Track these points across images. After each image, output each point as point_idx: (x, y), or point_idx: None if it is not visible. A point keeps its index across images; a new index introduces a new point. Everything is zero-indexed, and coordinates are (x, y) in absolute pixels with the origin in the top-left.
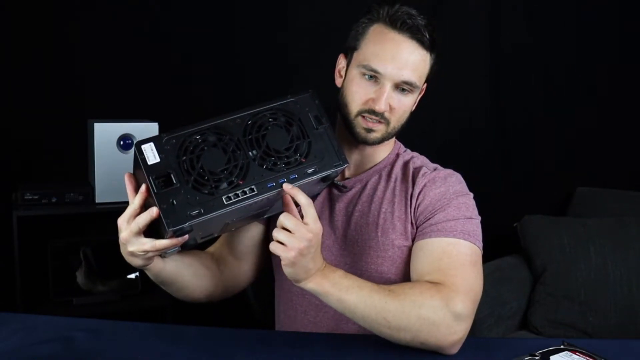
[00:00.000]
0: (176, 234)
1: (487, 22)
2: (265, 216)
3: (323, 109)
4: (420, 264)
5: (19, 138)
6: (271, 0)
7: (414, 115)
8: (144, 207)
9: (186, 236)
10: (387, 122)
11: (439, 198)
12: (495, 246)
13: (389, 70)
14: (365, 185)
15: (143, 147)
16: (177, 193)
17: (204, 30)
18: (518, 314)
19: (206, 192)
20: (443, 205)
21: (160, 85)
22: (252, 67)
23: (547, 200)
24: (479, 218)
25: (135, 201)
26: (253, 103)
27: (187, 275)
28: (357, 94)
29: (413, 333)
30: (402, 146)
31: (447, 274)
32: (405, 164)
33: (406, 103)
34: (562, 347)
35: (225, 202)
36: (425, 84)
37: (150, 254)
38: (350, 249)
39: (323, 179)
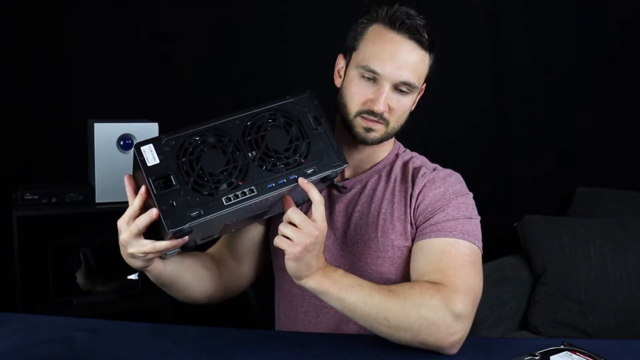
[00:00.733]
0: (176, 235)
1: (487, 22)
2: (265, 217)
3: (322, 109)
4: (420, 264)
5: (19, 138)
6: (271, 1)
7: (414, 115)
8: (144, 208)
9: (186, 237)
10: (387, 123)
11: (439, 198)
12: (495, 246)
13: (388, 70)
14: (365, 185)
15: (142, 148)
16: (176, 194)
17: (204, 30)
18: (518, 314)
19: (206, 193)
20: (443, 205)
21: (160, 85)
22: (252, 67)
23: (547, 200)
24: (479, 218)
25: (135, 203)
26: (253, 103)
27: (187, 276)
28: (356, 94)
29: (413, 333)
30: (401, 146)
31: (447, 274)
32: (405, 164)
33: (405, 103)
34: (562, 347)
35: (225, 203)
36: (425, 84)
37: (150, 256)
38: (350, 250)
39: (323, 180)
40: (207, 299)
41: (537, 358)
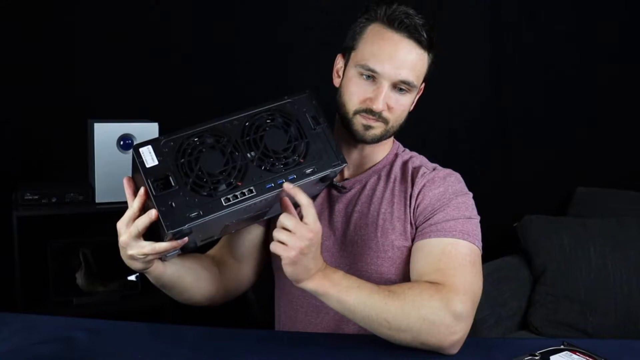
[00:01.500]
0: (175, 237)
1: (488, 22)
2: (265, 217)
3: (321, 109)
4: (420, 265)
5: (19, 138)
6: (271, 1)
7: (414, 115)
8: (143, 210)
9: (186, 238)
10: (386, 122)
11: (439, 198)
12: (495, 246)
13: (387, 69)
14: (365, 185)
15: (141, 150)
16: (175, 195)
17: (204, 30)
18: (518, 314)
19: (205, 194)
20: (442, 205)
21: (160, 85)
22: (252, 67)
23: (547, 200)
24: (479, 218)
25: (134, 204)
26: (253, 104)
27: (187, 278)
28: (355, 93)
29: (413, 334)
30: (400, 146)
31: (447, 274)
32: (404, 164)
33: (404, 102)
34: (562, 347)
35: (224, 204)
36: (424, 84)
37: (150, 257)
38: (349, 250)
39: (322, 179)
40: (208, 300)
41: (537, 358)
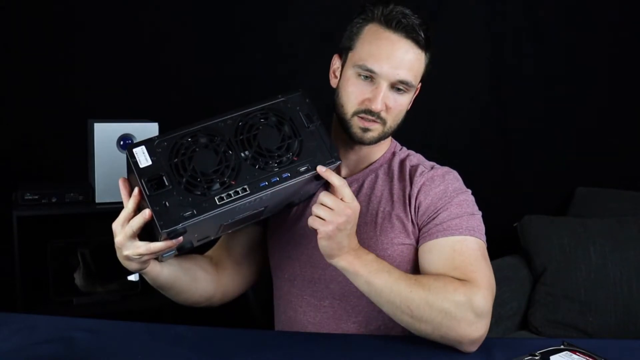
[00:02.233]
0: (170, 236)
1: (488, 22)
2: (262, 217)
3: (314, 107)
4: (435, 266)
5: (19, 138)
6: (271, 1)
7: (414, 115)
8: (138, 210)
9: (180, 238)
10: (384, 122)
11: (440, 197)
12: (495, 246)
13: (385, 69)
14: (362, 184)
15: (135, 150)
16: (169, 195)
17: (204, 30)
18: (518, 314)
19: (199, 193)
20: (445, 204)
21: (160, 85)
22: (252, 67)
23: (547, 200)
24: (480, 213)
25: (128, 205)
26: (251, 103)
27: (185, 279)
28: (353, 94)
29: (434, 325)
30: (397, 144)
31: (466, 270)
32: (402, 162)
33: (402, 102)
34: (562, 347)
35: (218, 203)
36: (420, 84)
37: (145, 257)
38: None
39: (317, 177)
40: (206, 301)
41: (537, 358)
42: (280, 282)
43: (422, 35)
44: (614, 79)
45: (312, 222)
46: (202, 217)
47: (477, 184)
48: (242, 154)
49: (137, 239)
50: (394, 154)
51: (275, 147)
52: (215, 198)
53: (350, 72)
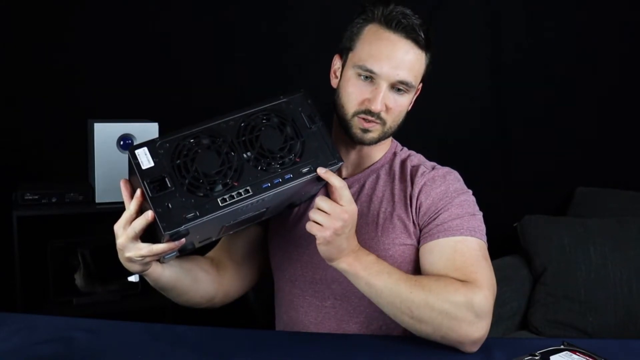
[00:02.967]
0: (172, 238)
1: (488, 22)
2: (263, 219)
3: (316, 108)
4: (436, 267)
5: (19, 138)
6: (271, 1)
7: (414, 115)
8: (140, 212)
9: (183, 240)
10: (384, 122)
11: (441, 197)
12: (495, 246)
13: (385, 70)
14: (363, 185)
15: (137, 152)
16: (172, 196)
17: (204, 30)
18: (518, 314)
19: (201, 194)
20: (446, 204)
21: (160, 85)
22: (252, 67)
23: (547, 200)
24: (481, 213)
25: (130, 206)
26: (253, 104)
27: (186, 280)
28: (353, 94)
29: (434, 326)
30: (398, 145)
31: (467, 271)
32: (403, 162)
33: (402, 103)
34: (562, 347)
35: (220, 204)
36: (421, 84)
37: (147, 259)
38: None
39: (319, 178)
40: (208, 302)
41: (537, 358)
42: (282, 282)
43: (423, 36)
44: (614, 79)
45: (310, 227)
46: (204, 218)
47: (477, 184)
48: (245, 155)
49: (139, 240)
50: (394, 154)
51: (278, 148)
52: (218, 199)
53: (350, 72)
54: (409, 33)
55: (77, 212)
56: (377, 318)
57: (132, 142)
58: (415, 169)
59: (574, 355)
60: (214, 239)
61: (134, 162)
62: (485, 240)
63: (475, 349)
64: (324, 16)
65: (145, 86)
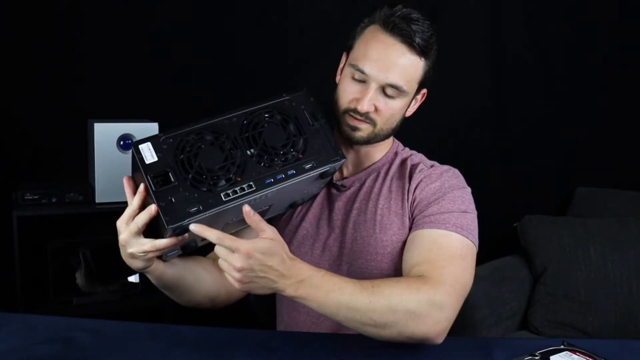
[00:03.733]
0: (175, 232)
1: (488, 22)
2: (265, 218)
3: (319, 105)
4: (411, 255)
5: (19, 138)
6: (272, 1)
7: (414, 114)
8: (143, 207)
9: (186, 235)
10: (374, 123)
11: (434, 191)
12: (495, 246)
13: (374, 71)
14: (364, 183)
15: (141, 146)
16: (175, 191)
17: (204, 30)
18: (518, 314)
19: (205, 189)
20: (438, 198)
21: (160, 85)
22: (252, 67)
23: (547, 200)
24: (475, 212)
25: (134, 202)
26: (255, 102)
27: (189, 279)
28: (345, 92)
29: (399, 328)
30: (400, 145)
31: (435, 265)
32: (403, 162)
33: (393, 106)
34: (562, 347)
35: (224, 199)
36: (425, 90)
37: (150, 255)
38: (350, 248)
39: (322, 175)
40: (210, 302)
41: (537, 358)
42: None
43: (419, 41)
44: (614, 79)
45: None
46: (208, 213)
47: (477, 183)
48: (248, 152)
49: (142, 236)
50: (396, 154)
51: (281, 144)
52: (221, 194)
53: (347, 70)
54: (405, 37)
55: (77, 212)
56: None
57: (132, 142)
58: (414, 167)
59: (574, 355)
60: None
61: (137, 157)
62: (474, 240)
63: (440, 340)
64: (325, 16)
65: (145, 86)
